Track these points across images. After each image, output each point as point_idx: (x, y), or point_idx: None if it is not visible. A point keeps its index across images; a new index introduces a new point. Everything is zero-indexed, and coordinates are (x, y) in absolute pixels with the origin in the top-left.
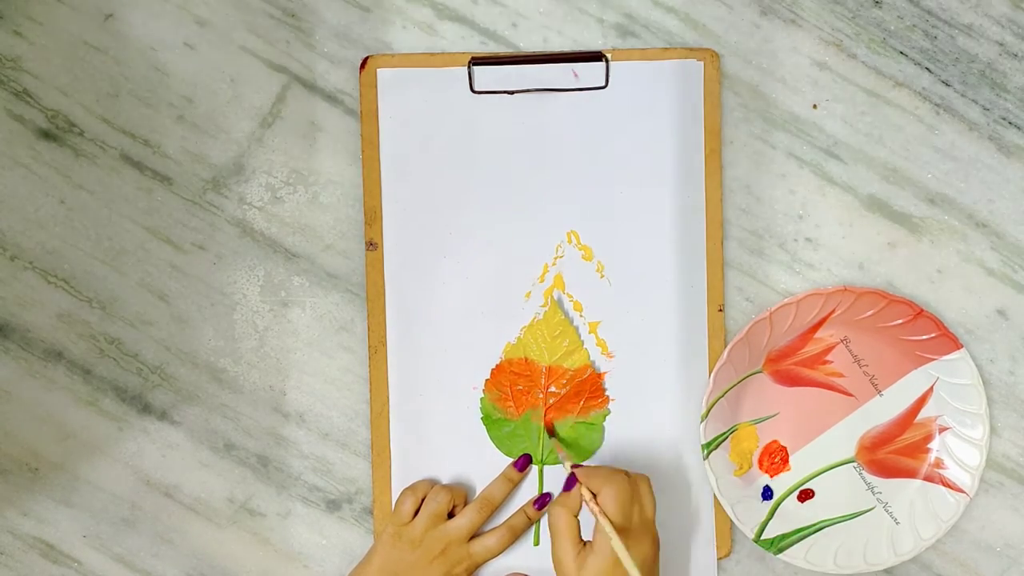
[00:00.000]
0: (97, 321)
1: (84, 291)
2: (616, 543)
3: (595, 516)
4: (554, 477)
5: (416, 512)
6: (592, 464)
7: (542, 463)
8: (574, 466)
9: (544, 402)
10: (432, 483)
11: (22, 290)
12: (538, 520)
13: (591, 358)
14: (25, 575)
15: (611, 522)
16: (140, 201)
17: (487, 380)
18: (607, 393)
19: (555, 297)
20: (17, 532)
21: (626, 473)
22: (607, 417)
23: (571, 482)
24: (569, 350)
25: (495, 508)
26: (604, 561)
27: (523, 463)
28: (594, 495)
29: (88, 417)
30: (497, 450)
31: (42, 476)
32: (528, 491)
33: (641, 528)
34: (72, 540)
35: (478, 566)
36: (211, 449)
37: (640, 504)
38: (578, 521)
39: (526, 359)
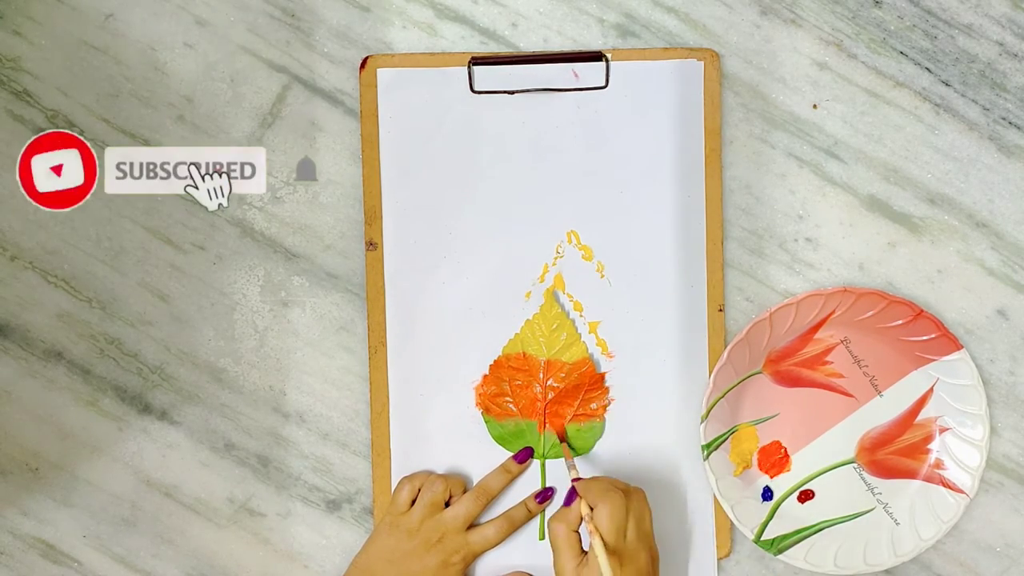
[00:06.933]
0: (97, 321)
1: (84, 291)
2: (603, 562)
3: (589, 534)
4: (556, 471)
5: (413, 501)
6: (592, 474)
7: (544, 457)
8: (575, 479)
9: (543, 396)
10: (430, 473)
11: (22, 290)
12: (539, 514)
13: (589, 351)
14: (25, 575)
15: (602, 539)
16: (140, 201)
17: (485, 376)
18: (606, 383)
19: (551, 291)
20: (17, 532)
21: (623, 487)
22: (607, 407)
23: (571, 496)
24: (567, 343)
25: (491, 498)
26: None
27: (523, 456)
28: (592, 509)
29: (88, 417)
30: (498, 448)
31: (42, 476)
32: (530, 485)
33: (637, 544)
34: (72, 540)
35: (476, 556)
36: (211, 449)
37: (636, 519)
38: (579, 535)
39: (524, 354)
